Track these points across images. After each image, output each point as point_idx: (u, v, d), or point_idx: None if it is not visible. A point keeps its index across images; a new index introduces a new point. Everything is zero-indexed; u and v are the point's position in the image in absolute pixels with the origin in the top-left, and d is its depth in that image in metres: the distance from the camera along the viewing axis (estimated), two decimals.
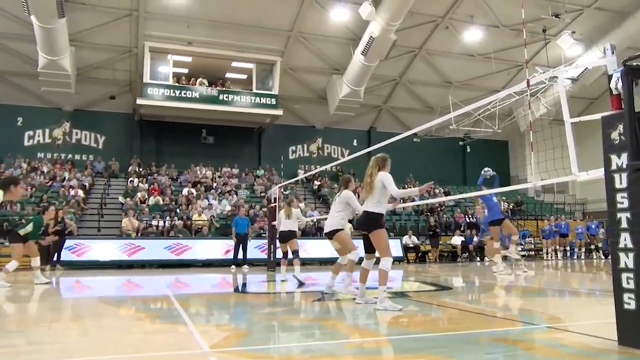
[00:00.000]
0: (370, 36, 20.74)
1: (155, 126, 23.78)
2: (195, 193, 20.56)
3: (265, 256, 14.84)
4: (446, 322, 5.40)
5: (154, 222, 17.54)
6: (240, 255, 14.70)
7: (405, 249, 19.09)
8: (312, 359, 3.67)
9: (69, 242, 15.14)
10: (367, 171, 6.30)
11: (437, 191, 25.24)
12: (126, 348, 4.08)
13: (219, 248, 16.55)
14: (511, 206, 25.09)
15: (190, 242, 16.60)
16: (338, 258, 7.65)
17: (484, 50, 23.78)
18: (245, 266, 14.58)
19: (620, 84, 3.79)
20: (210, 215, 18.80)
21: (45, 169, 21.29)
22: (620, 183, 3.76)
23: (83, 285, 10.69)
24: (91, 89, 22.71)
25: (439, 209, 23.23)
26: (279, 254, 11.42)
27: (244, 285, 10.30)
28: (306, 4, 21.07)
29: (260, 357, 3.71)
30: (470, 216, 22.76)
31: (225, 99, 22.94)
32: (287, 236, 10.29)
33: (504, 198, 25.33)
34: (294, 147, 26.84)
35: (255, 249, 16.11)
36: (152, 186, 20.72)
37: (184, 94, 22.35)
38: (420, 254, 19.75)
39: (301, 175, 22.25)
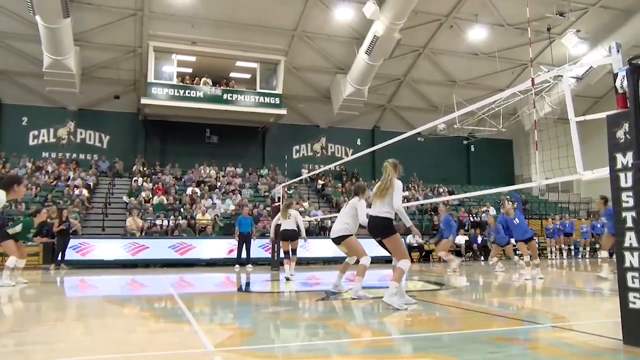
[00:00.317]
0: (374, 35, 20.71)
1: (160, 126, 23.83)
2: (199, 192, 20.59)
3: (269, 255, 14.85)
4: (450, 322, 5.40)
5: (158, 222, 17.57)
6: (244, 255, 14.71)
7: (409, 248, 19.06)
8: (316, 358, 3.67)
9: (73, 242, 15.19)
10: (385, 174, 6.18)
11: (441, 190, 25.21)
12: (130, 347, 4.08)
13: (222, 247, 16.57)
14: (515, 205, 24.95)
15: (194, 242, 16.63)
16: (345, 257, 7.68)
17: (489, 49, 23.73)
18: (249, 265, 14.60)
19: (625, 83, 3.77)
20: (214, 215, 18.82)
21: (49, 169, 21.36)
22: (626, 182, 3.75)
23: (87, 285, 10.72)
24: (96, 89, 22.78)
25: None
26: (282, 253, 11.46)
27: (248, 284, 10.31)
28: (310, 4, 21.07)
29: (264, 357, 3.71)
30: (474, 215, 22.71)
31: (229, 98, 22.96)
32: (291, 235, 10.48)
33: (507, 197, 25.25)
34: (297, 147, 26.84)
35: (259, 248, 16.13)
36: (156, 185, 20.75)
37: (188, 93, 22.39)
38: (424, 253, 19.73)
39: (305, 174, 22.25)
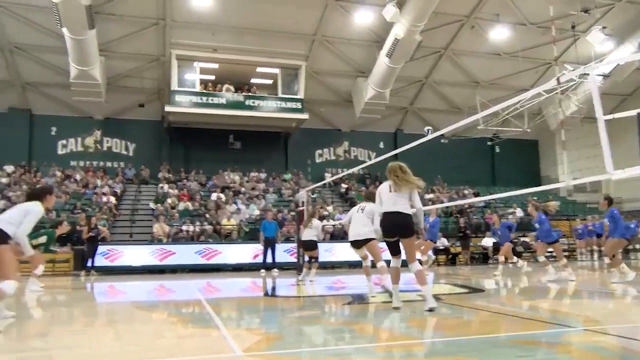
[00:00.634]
0: (395, 38, 20.65)
1: (184, 133, 24.12)
2: (223, 198, 20.77)
3: (295, 260, 14.89)
4: (478, 325, 5.33)
5: (184, 227, 17.79)
6: (269, 259, 14.77)
7: (435, 251, 18.89)
8: None
9: (102, 248, 15.45)
10: (402, 171, 6.23)
11: (466, 192, 24.95)
12: (160, 352, 4.14)
13: (248, 252, 16.68)
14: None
15: (220, 247, 16.78)
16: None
17: (511, 48, 23.44)
18: (275, 270, 14.65)
19: None
20: (239, 220, 18.96)
21: (78, 177, 21.81)
22: None
23: (116, 290, 10.90)
24: (121, 98, 23.19)
25: (468, 210, 22.92)
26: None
27: (274, 289, 10.35)
28: (330, 8, 21.12)
29: None
30: (500, 217, 22.37)
31: (251, 104, 23.14)
32: (308, 246, 10.77)
33: (535, 198, 24.86)
34: (320, 151, 26.88)
35: (284, 252, 16.18)
36: (181, 192, 21.02)
37: (211, 100, 22.64)
38: (450, 256, 19.53)
39: (328, 178, 22.25)
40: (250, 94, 23.54)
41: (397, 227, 5.92)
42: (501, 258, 13.44)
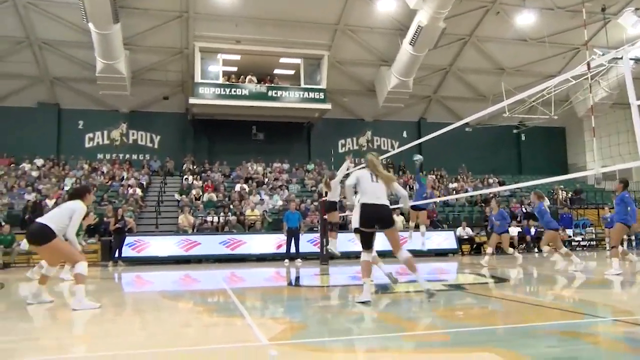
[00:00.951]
0: (418, 25, 20.39)
1: (207, 124, 24.32)
2: (247, 189, 20.91)
3: (318, 250, 14.92)
4: (504, 315, 5.27)
5: (208, 218, 17.99)
6: (292, 249, 14.83)
7: (460, 240, 18.74)
8: (369, 352, 3.66)
9: (129, 239, 15.72)
10: (380, 165, 6.14)
11: (490, 181, 24.64)
12: (187, 340, 4.20)
13: (272, 242, 16.77)
14: (570, 195, 24.15)
15: (244, 237, 16.91)
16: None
17: (538, 34, 22.94)
18: (298, 260, 14.71)
19: None
20: (263, 211, 19.07)
21: (104, 169, 22.20)
22: None
23: (143, 280, 11.09)
24: (145, 91, 23.48)
25: (493, 199, 22.61)
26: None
27: (297, 278, 10.39)
28: None
29: (318, 350, 3.74)
30: (526, 206, 22.06)
31: (274, 95, 23.17)
32: (327, 207, 11.29)
33: (562, 187, 24.43)
34: (343, 141, 26.81)
35: (308, 242, 16.22)
36: (205, 183, 21.22)
37: (234, 91, 22.74)
38: (475, 245, 19.33)
39: (352, 168, 22.15)
40: (272, 85, 23.56)
41: (382, 220, 5.84)
42: (489, 249, 13.19)
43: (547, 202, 11.75)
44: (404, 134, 26.87)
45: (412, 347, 3.81)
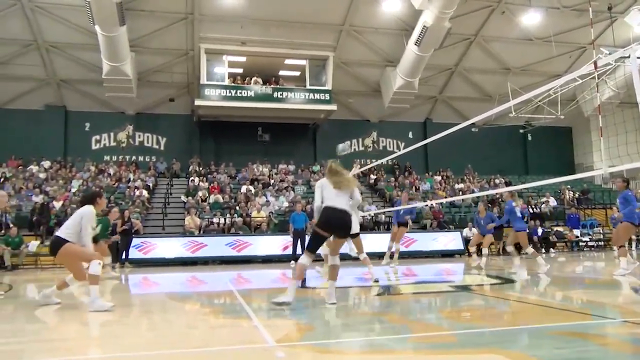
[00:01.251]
0: (424, 26, 20.35)
1: (213, 126, 24.37)
2: (253, 190, 20.94)
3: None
4: (512, 316, 5.25)
5: (215, 220, 18.02)
6: (299, 251, 14.82)
7: (466, 241, 18.64)
8: (375, 353, 3.66)
9: (135, 241, 15.77)
10: (343, 171, 6.17)
11: (497, 181, 24.55)
12: (194, 342, 4.20)
13: (278, 244, 16.78)
14: (577, 195, 24.03)
15: (250, 239, 16.94)
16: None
17: (544, 33, 22.85)
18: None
19: None
20: (269, 212, 19.08)
21: (111, 171, 22.29)
22: None
23: (150, 282, 11.12)
24: (151, 93, 23.57)
25: (499, 200, 22.52)
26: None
27: (304, 280, 10.38)
28: None
29: (325, 352, 3.73)
30: (533, 207, 21.98)
31: (279, 96, 23.20)
32: None
33: (568, 187, 24.31)
34: (348, 142, 26.79)
35: None
36: (212, 185, 21.27)
37: (240, 93, 22.79)
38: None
39: (357, 169, 22.13)
40: (278, 86, 23.59)
41: (341, 226, 5.80)
42: (473, 248, 13.22)
43: (519, 203, 11.79)
44: (410, 135, 26.83)
45: (419, 348, 3.80)
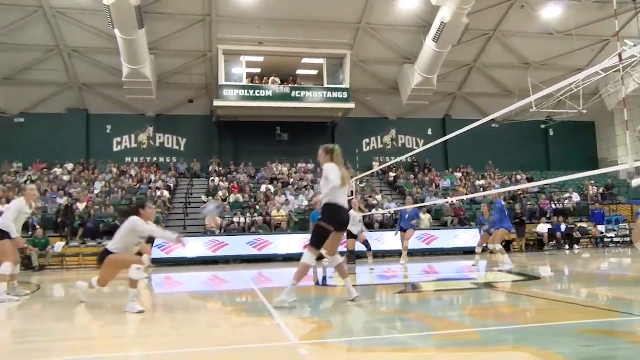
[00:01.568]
0: (442, 22, 20.18)
1: (232, 126, 24.52)
2: (272, 189, 21.03)
3: (345, 249, 14.88)
4: (536, 313, 5.18)
5: (235, 219, 18.15)
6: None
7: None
8: (398, 351, 3.64)
9: (158, 241, 15.88)
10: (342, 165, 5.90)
11: (519, 177, 24.26)
12: (217, 340, 4.24)
13: (298, 242, 16.78)
14: (601, 190, 23.61)
15: (270, 238, 17.01)
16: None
17: (564, 27, 22.46)
18: (325, 260, 14.69)
19: None
20: (289, 211, 19.14)
21: (133, 173, 22.59)
22: None
23: (173, 281, 11.24)
24: (171, 94, 23.80)
25: (521, 196, 22.27)
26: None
27: (325, 278, 10.40)
28: None
29: (348, 349, 3.73)
30: (556, 203, 21.66)
31: (297, 95, 23.23)
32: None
33: (592, 182, 23.90)
34: (367, 140, 26.70)
35: None
36: (231, 184, 21.42)
37: (258, 93, 22.88)
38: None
39: (376, 167, 22.12)
40: (296, 85, 23.63)
41: (345, 225, 5.84)
42: (479, 249, 12.96)
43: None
44: (429, 132, 26.62)
45: (442, 346, 3.77)
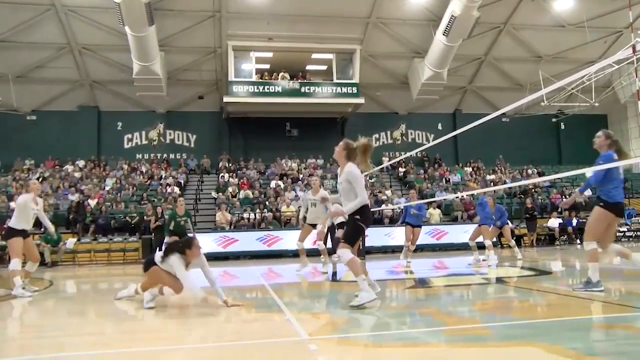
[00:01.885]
0: (452, 15, 20.05)
1: (242, 122, 24.55)
2: (282, 185, 21.06)
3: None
4: (547, 308, 5.15)
5: (245, 215, 18.20)
6: (329, 245, 14.82)
7: (501, 233, 18.33)
8: (409, 346, 3.64)
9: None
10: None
11: (529, 172, 24.09)
12: (228, 336, 4.26)
13: (308, 238, 16.77)
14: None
15: (280, 233, 17.05)
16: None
17: (576, 19, 22.22)
18: (335, 255, 14.69)
19: None
20: (298, 206, 19.15)
21: (143, 169, 22.72)
22: None
23: None
24: (181, 91, 23.88)
25: (532, 190, 22.10)
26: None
27: (335, 274, 10.41)
28: None
29: (358, 345, 3.74)
30: (567, 197, 21.45)
31: (307, 91, 23.21)
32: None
33: None
34: (377, 135, 26.62)
35: None
36: (241, 180, 21.48)
37: (267, 89, 22.90)
38: (514, 238, 18.91)
39: (386, 162, 22.06)
40: (305, 80, 23.60)
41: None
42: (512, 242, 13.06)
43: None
44: (439, 126, 26.49)
45: (453, 341, 3.76)
